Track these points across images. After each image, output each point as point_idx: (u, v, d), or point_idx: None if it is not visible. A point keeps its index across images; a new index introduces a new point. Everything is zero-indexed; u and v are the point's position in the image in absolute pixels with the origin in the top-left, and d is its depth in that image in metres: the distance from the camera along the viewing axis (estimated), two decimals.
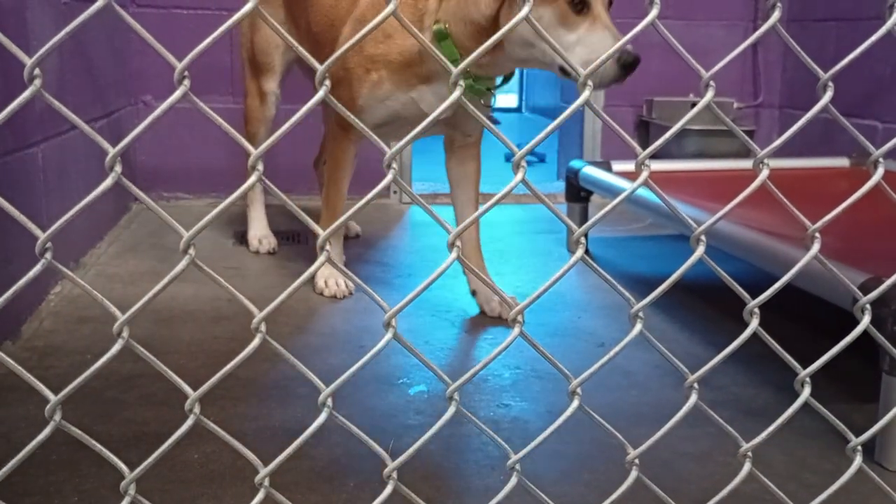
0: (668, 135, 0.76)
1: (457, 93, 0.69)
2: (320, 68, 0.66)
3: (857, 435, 0.91)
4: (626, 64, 1.59)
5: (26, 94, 0.61)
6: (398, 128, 2.03)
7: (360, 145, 2.15)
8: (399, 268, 2.49)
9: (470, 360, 1.84)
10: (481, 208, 0.75)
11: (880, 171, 0.83)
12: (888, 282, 0.89)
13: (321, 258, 0.70)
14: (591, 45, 1.61)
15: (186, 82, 0.64)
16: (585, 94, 0.71)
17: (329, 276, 2.17)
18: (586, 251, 0.74)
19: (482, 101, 1.93)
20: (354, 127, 0.71)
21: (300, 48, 0.69)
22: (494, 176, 3.17)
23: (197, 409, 0.70)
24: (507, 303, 0.79)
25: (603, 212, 0.75)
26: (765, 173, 0.77)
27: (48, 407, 0.68)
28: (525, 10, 0.67)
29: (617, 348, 0.78)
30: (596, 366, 0.79)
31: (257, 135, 2.52)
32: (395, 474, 0.76)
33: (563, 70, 1.69)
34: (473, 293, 2.11)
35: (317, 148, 2.88)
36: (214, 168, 3.24)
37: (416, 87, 1.92)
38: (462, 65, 0.69)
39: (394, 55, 1.90)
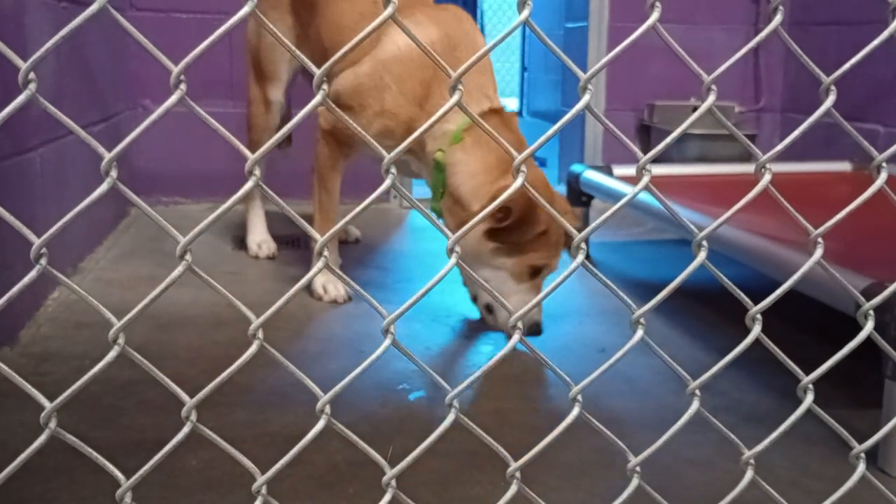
0: (668, 139, 0.75)
1: (455, 96, 0.69)
2: (318, 72, 0.65)
3: (860, 440, 0.90)
4: (531, 326, 1.86)
5: (20, 98, 0.60)
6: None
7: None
8: (399, 272, 2.48)
9: (470, 365, 1.83)
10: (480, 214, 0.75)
11: (883, 176, 0.82)
12: (891, 288, 0.88)
13: (319, 264, 0.69)
14: (525, 300, 1.83)
15: (183, 86, 0.63)
16: (585, 98, 0.70)
17: (328, 281, 2.16)
18: (587, 256, 0.74)
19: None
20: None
21: (300, 54, 0.69)
22: None
23: (193, 417, 0.70)
24: (508, 309, 0.79)
25: (603, 217, 0.75)
26: (766, 178, 0.76)
27: (43, 414, 0.67)
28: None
29: (617, 355, 0.77)
30: (596, 373, 0.78)
31: (259, 142, 2.47)
32: (394, 482, 0.76)
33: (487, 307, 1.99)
34: (474, 299, 2.11)
35: None
36: (213, 172, 3.23)
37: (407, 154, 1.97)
38: (459, 71, 0.69)
39: (397, 122, 1.95)
